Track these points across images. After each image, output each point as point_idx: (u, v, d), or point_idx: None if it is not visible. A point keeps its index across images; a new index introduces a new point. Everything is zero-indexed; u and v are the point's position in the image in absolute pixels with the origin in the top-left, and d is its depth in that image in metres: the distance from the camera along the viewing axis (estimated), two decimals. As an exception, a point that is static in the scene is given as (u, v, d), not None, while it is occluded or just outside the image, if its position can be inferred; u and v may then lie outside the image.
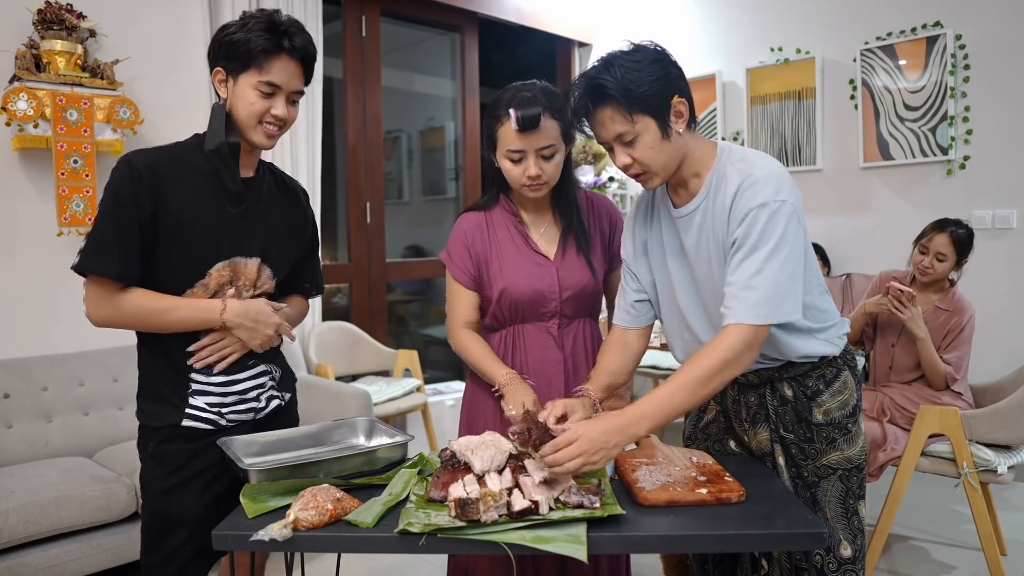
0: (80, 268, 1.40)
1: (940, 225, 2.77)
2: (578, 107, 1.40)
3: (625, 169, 1.41)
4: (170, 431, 1.48)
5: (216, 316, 1.45)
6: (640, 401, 1.33)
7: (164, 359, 1.49)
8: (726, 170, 1.42)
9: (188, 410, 1.49)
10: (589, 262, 1.75)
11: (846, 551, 1.49)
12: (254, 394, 1.57)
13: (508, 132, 1.62)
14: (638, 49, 1.38)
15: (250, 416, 1.56)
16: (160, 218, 1.41)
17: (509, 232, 1.75)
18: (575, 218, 1.77)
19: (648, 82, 1.34)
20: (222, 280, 1.48)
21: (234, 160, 1.47)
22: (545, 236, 1.76)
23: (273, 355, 1.64)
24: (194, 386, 1.50)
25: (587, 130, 1.43)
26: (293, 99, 1.49)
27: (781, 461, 1.52)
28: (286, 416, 1.67)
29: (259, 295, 1.56)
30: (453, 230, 1.79)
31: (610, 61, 1.37)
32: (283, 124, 1.50)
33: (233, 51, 1.42)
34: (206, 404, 1.50)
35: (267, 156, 3.54)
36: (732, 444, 1.63)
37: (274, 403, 1.62)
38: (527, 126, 1.59)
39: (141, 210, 1.39)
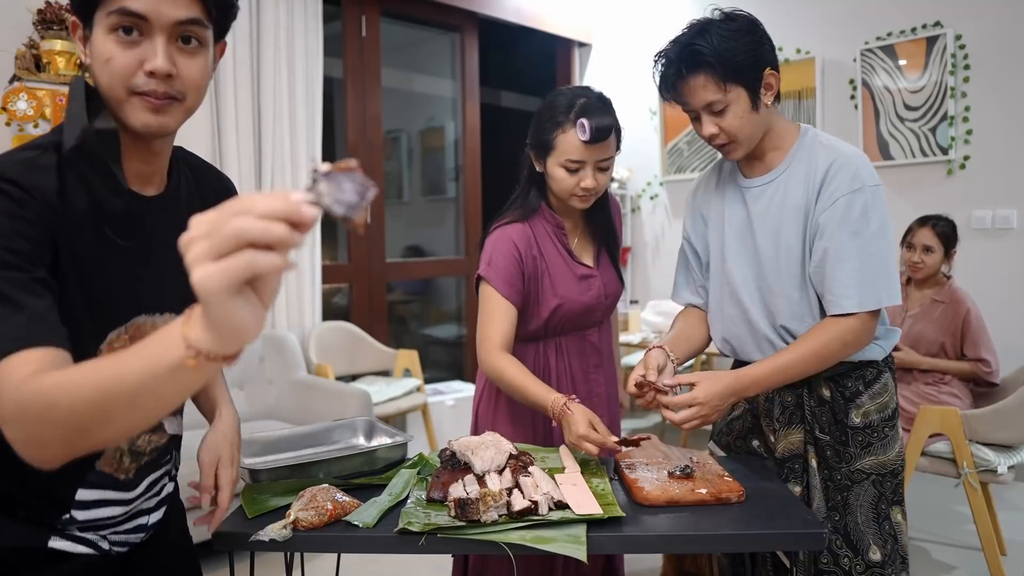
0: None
1: (921, 221, 2.87)
2: (669, 73, 1.40)
3: (710, 139, 1.42)
4: (27, 555, 0.94)
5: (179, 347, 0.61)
6: (755, 366, 1.42)
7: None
8: (813, 148, 1.43)
9: (62, 524, 0.96)
10: (618, 270, 1.76)
11: (875, 555, 1.45)
12: (152, 503, 1.08)
13: (571, 141, 1.53)
14: (732, 18, 1.38)
15: (138, 537, 1.06)
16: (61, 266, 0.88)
17: (554, 244, 1.68)
18: (611, 229, 1.75)
19: (744, 52, 1.35)
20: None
21: (112, 158, 0.92)
22: (580, 246, 1.73)
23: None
24: (83, 493, 0.96)
25: (672, 97, 1.43)
26: (187, 36, 0.90)
27: (814, 463, 1.49)
28: (170, 538, 1.15)
29: None
30: (495, 243, 1.63)
31: (705, 27, 1.37)
32: (172, 86, 0.90)
33: None
34: (88, 520, 0.97)
35: (268, 156, 3.58)
36: (755, 443, 1.61)
37: (158, 514, 1.11)
38: (599, 138, 1.52)
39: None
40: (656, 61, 1.44)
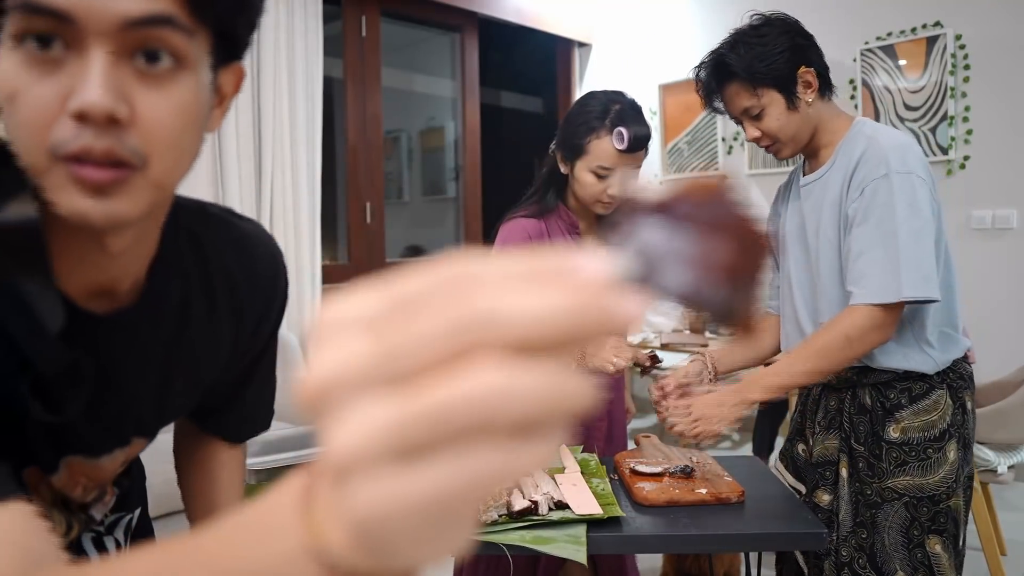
0: None
1: None
2: (706, 85, 1.46)
3: (756, 142, 1.45)
4: None
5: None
6: (761, 369, 1.40)
7: None
8: (856, 140, 1.41)
9: None
10: None
11: None
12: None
13: (605, 147, 1.52)
14: (766, 23, 1.40)
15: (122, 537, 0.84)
16: None
17: (566, 243, 1.65)
18: None
19: (772, 56, 1.36)
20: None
21: (34, 268, 0.52)
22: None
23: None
24: None
25: (713, 108, 1.49)
26: (152, 50, 0.49)
27: (844, 473, 1.41)
28: None
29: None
30: (509, 232, 1.63)
31: (736, 39, 1.40)
32: (123, 142, 0.48)
33: None
34: None
35: (268, 157, 3.56)
36: (800, 448, 1.56)
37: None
38: (636, 147, 1.52)
39: None
40: (695, 73, 1.49)
